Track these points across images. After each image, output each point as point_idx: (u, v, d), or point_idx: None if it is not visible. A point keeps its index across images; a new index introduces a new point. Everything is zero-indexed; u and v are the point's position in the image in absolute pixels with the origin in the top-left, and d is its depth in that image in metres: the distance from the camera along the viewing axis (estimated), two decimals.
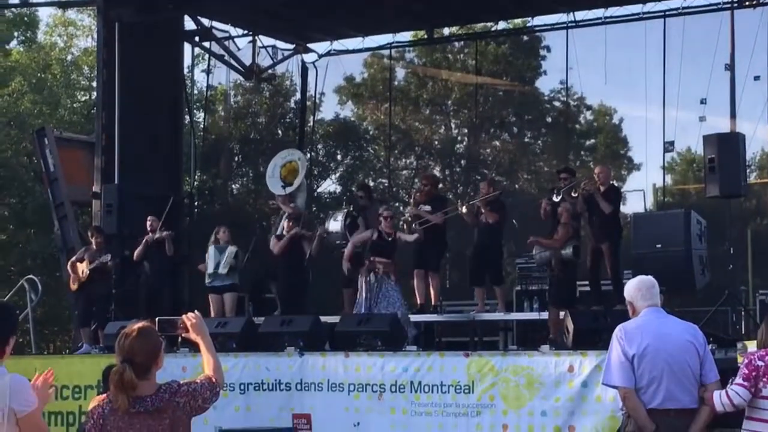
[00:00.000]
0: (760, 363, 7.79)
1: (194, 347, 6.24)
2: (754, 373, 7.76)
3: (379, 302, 15.23)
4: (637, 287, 7.93)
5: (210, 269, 17.16)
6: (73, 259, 17.91)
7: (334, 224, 17.13)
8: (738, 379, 7.79)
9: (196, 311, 6.10)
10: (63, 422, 15.28)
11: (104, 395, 5.86)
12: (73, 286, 17.78)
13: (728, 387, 7.76)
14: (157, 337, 5.85)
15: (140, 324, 5.84)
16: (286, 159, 19.32)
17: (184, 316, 6.03)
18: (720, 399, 7.69)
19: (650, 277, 8.01)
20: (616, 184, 17.25)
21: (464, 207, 16.12)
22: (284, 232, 17.14)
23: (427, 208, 16.54)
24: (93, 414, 5.80)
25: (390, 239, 15.64)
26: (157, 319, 5.99)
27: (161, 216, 17.61)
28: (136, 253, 17.56)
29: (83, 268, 17.52)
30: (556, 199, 15.60)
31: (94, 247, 17.69)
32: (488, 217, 15.91)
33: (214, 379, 5.91)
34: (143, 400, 5.69)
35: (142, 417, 5.69)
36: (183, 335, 6.04)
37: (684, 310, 12.97)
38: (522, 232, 17.86)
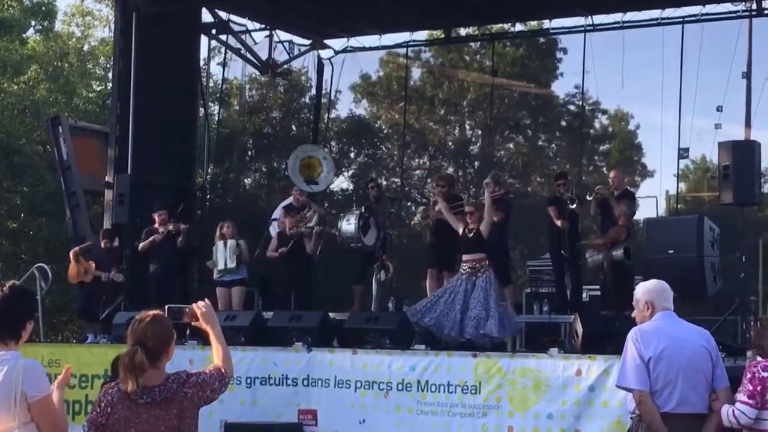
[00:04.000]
0: (765, 374, 7.72)
1: (203, 339, 6.22)
2: (759, 387, 7.67)
3: (471, 304, 14.27)
4: (659, 288, 7.89)
5: (220, 265, 17.21)
6: (76, 249, 17.96)
7: (347, 226, 17.09)
8: (743, 397, 7.69)
9: (206, 300, 6.09)
10: (69, 411, 15.21)
11: (112, 383, 5.85)
12: (74, 279, 17.83)
13: (735, 405, 7.68)
14: (170, 325, 5.84)
15: (154, 312, 5.84)
16: (307, 153, 19.38)
17: (194, 305, 6.02)
18: (727, 415, 7.64)
19: (664, 282, 8.00)
20: (630, 189, 17.20)
21: (468, 206, 15.84)
22: (310, 225, 17.21)
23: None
24: (100, 402, 5.78)
25: (472, 234, 14.72)
26: (166, 306, 5.98)
27: (171, 210, 17.63)
28: (141, 247, 17.56)
29: (89, 269, 17.55)
30: (573, 206, 15.57)
31: (103, 246, 17.79)
32: (493, 215, 15.79)
33: (223, 370, 5.90)
34: (151, 390, 5.68)
35: (150, 407, 5.68)
36: (193, 323, 6.03)
37: (694, 318, 12.92)
38: (532, 235, 17.84)
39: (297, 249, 17.10)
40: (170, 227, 17.41)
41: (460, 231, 14.85)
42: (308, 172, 19.14)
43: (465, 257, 14.62)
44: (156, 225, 17.57)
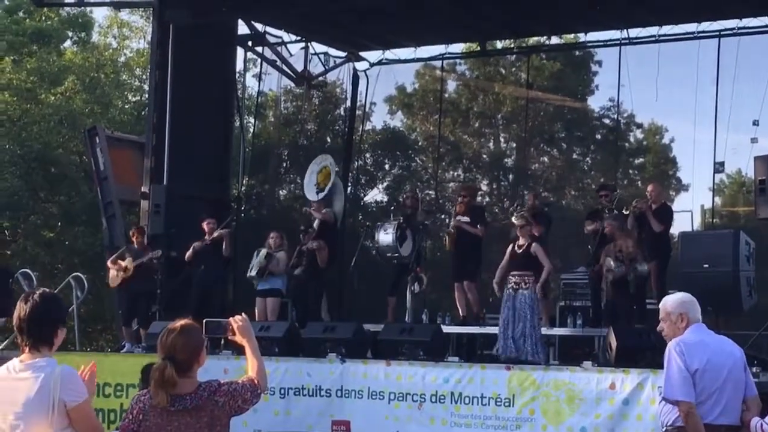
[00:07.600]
0: None
1: (237, 349, 6.24)
2: None
3: (515, 319, 14.27)
4: (690, 300, 7.89)
5: (250, 272, 17.41)
6: (114, 256, 18.04)
7: (385, 237, 17.10)
8: None
9: (243, 314, 6.11)
10: (104, 419, 15.36)
11: (145, 391, 5.90)
12: (116, 281, 17.90)
13: (765, 419, 7.64)
14: (199, 335, 5.85)
15: (183, 321, 5.86)
16: (321, 164, 19.57)
17: (231, 319, 6.04)
18: (755, 429, 7.61)
19: (690, 294, 8.02)
20: (668, 203, 17.17)
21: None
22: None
23: (466, 219, 16.54)
24: (132, 410, 5.83)
25: (521, 251, 14.68)
26: (204, 320, 5.99)
27: (218, 220, 17.80)
28: (188, 255, 17.69)
29: (128, 264, 17.63)
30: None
31: (136, 246, 17.85)
32: (533, 229, 15.76)
33: (256, 381, 5.91)
34: (183, 398, 5.71)
35: (181, 415, 5.72)
36: (229, 338, 6.05)
37: (730, 332, 12.86)
38: (566, 249, 17.77)
39: (311, 263, 17.26)
40: (215, 234, 17.55)
41: (510, 247, 14.81)
42: (326, 181, 19.34)
43: (513, 273, 14.57)
44: (206, 235, 17.70)
